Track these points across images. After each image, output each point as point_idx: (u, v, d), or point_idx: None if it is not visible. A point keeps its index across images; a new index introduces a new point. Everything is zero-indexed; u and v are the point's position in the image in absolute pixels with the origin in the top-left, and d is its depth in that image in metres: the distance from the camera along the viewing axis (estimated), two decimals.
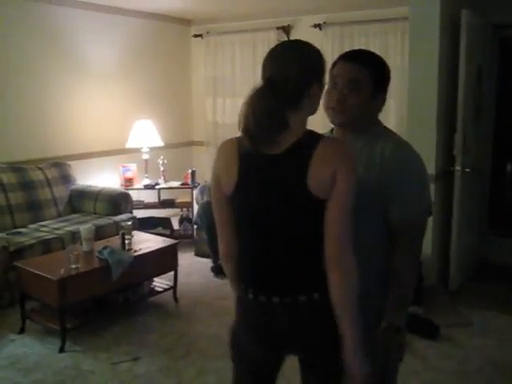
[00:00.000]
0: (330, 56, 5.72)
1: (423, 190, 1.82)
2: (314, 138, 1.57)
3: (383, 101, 1.86)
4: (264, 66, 1.61)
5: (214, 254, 5.03)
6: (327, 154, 1.53)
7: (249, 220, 1.68)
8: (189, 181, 5.96)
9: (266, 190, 1.60)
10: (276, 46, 1.63)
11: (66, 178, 5.30)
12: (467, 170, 4.27)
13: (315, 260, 1.57)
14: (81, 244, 4.00)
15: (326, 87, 1.76)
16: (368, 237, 1.75)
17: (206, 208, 5.12)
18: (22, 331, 3.76)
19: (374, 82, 1.78)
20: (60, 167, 5.28)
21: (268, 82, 1.56)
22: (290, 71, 1.54)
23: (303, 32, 5.95)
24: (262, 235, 1.65)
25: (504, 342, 3.63)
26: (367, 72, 1.77)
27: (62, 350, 3.51)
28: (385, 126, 1.90)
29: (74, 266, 3.60)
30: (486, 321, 3.93)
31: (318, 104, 1.63)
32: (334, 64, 1.83)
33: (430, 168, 4.14)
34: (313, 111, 1.64)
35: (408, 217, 1.75)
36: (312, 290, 1.59)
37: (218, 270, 4.93)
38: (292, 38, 6.09)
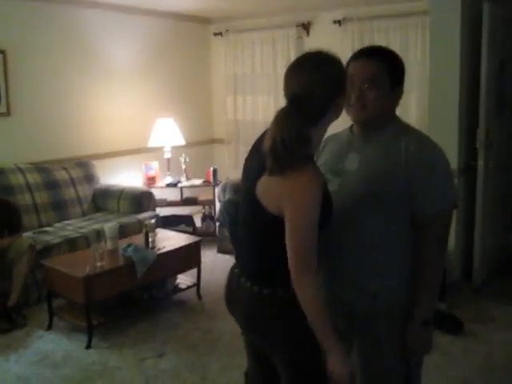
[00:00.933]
0: (350, 52, 5.71)
1: (449, 183, 1.84)
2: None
3: (400, 94, 1.87)
4: (287, 78, 1.62)
5: (236, 251, 5.06)
6: (273, 183, 1.56)
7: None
8: (211, 178, 6.00)
9: (244, 183, 1.75)
10: (298, 59, 1.64)
11: (90, 178, 5.38)
12: (490, 164, 4.23)
13: (274, 256, 1.64)
14: (105, 242, 4.05)
15: None
16: (393, 229, 1.80)
17: (228, 206, 5.14)
18: (49, 328, 3.84)
19: (390, 75, 1.79)
20: (84, 167, 5.36)
21: (293, 100, 1.56)
22: (315, 89, 1.56)
23: (323, 28, 5.94)
24: (242, 220, 1.80)
25: None
26: (383, 66, 1.79)
27: (88, 347, 3.58)
28: (403, 121, 1.91)
29: (99, 264, 3.66)
30: (509, 316, 3.90)
31: (341, 111, 1.67)
32: (348, 63, 1.84)
33: (453, 163, 4.07)
34: (336, 118, 1.67)
35: (435, 210, 1.77)
36: (276, 285, 1.64)
37: None
38: (311, 34, 6.09)
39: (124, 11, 5.85)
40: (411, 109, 5.30)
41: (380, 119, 1.83)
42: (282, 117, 1.54)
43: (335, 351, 1.57)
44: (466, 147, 4.29)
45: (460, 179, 4.21)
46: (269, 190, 1.58)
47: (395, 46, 5.34)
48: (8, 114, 4.92)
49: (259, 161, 1.61)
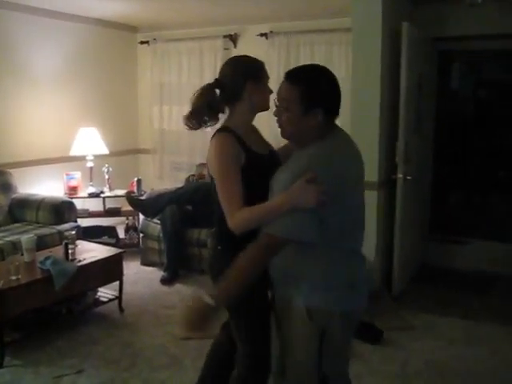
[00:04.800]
0: (275, 64, 5.88)
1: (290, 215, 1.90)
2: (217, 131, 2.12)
3: (319, 116, 1.88)
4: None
5: (169, 261, 4.99)
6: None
7: None
8: (135, 189, 5.88)
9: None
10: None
11: (7, 187, 5.13)
12: (408, 177, 4.39)
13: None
14: (22, 254, 3.89)
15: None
16: None
17: (173, 213, 5.03)
18: None
19: (304, 99, 1.86)
20: (0, 175, 5.11)
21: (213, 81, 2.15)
22: (227, 70, 2.14)
23: (249, 41, 6.01)
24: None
25: (444, 344, 3.74)
26: (297, 91, 1.87)
27: (0, 366, 3.39)
28: (327, 140, 1.92)
29: (14, 278, 3.49)
30: (427, 324, 4.05)
31: (259, 98, 2.13)
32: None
33: (373, 175, 4.25)
34: (255, 106, 2.14)
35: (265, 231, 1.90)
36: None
37: (168, 281, 4.88)
38: (239, 46, 6.14)
39: (48, 15, 5.65)
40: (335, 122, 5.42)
41: (300, 139, 1.96)
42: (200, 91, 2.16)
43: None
44: (387, 161, 4.43)
45: (380, 192, 4.35)
46: None
47: (320, 61, 5.45)
48: None
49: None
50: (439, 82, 5.41)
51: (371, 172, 4.25)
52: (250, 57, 2.18)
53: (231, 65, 2.15)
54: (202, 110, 2.12)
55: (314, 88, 1.87)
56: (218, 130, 2.10)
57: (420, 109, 4.78)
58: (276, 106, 1.96)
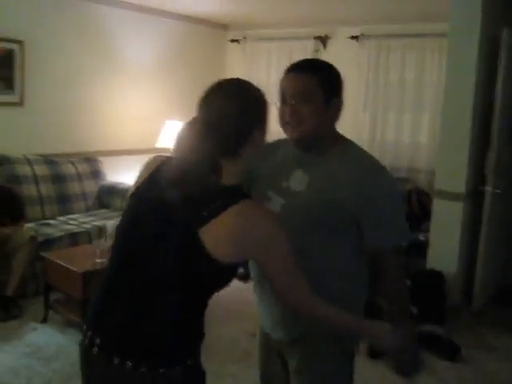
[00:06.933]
0: (365, 68, 5.77)
1: (403, 217, 1.74)
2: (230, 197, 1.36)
3: (339, 106, 1.72)
4: (199, 106, 1.46)
5: None
6: (231, 231, 1.34)
7: None
8: None
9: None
10: (213, 84, 1.50)
11: (96, 174, 5.39)
12: (497, 190, 4.21)
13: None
14: (106, 240, 4.05)
15: (277, 104, 1.72)
16: (336, 256, 1.70)
17: None
18: (44, 321, 3.83)
19: (324, 87, 1.67)
20: (91, 162, 5.37)
21: (204, 121, 1.42)
22: (230, 109, 1.39)
23: (340, 43, 5.94)
24: None
25: None
26: (315, 78, 1.67)
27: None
28: (351, 143, 1.78)
29: (99, 261, 3.64)
30: (507, 345, 3.86)
31: (251, 157, 1.47)
32: (282, 79, 1.76)
33: (460, 186, 4.11)
34: (245, 165, 1.48)
35: (390, 244, 1.69)
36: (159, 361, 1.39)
37: (243, 277, 4.93)
38: (328, 48, 6.09)
39: (142, 11, 5.87)
40: (423, 129, 5.25)
41: (318, 137, 1.71)
42: (187, 131, 1.46)
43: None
44: (475, 171, 4.27)
45: (466, 203, 4.19)
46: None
47: (410, 66, 5.34)
48: (21, 104, 4.94)
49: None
50: None
51: (458, 182, 4.12)
52: (255, 86, 1.48)
53: (235, 99, 1.42)
54: (201, 167, 1.38)
55: (330, 74, 1.72)
56: (236, 197, 1.36)
57: None
58: (289, 104, 1.68)
